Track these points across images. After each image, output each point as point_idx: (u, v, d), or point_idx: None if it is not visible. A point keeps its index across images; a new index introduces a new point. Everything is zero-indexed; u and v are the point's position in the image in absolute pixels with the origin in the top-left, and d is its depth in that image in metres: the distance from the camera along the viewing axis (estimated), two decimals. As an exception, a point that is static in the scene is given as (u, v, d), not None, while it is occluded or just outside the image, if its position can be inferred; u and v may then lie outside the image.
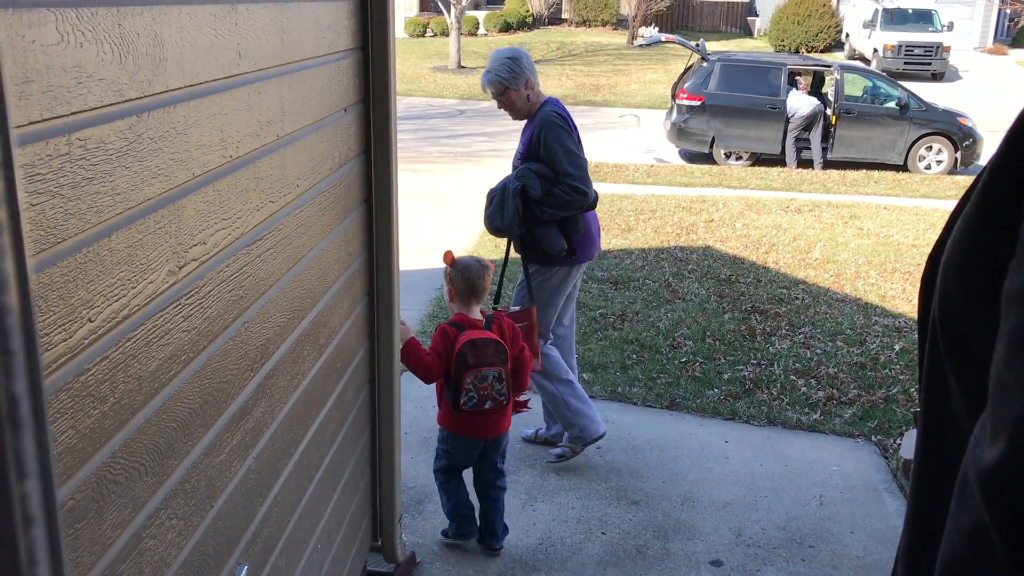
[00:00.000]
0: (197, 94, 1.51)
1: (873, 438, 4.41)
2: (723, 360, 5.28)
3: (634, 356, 5.28)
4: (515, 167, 3.97)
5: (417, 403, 4.61)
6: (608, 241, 8.28)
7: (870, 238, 8.76)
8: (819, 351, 5.47)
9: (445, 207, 10.02)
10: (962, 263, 0.73)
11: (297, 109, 2.04)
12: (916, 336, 5.79)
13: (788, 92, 13.73)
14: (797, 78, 14.05)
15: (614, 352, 5.33)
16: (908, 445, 4.14)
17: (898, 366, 5.27)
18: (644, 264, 7.42)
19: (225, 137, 1.63)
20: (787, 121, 13.64)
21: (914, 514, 0.85)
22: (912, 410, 4.45)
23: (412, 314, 6.06)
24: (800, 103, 13.54)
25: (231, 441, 1.73)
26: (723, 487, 3.92)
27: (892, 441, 4.34)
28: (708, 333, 5.71)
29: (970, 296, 0.72)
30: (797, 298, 6.57)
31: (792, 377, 5.06)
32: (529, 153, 3.87)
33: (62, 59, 1.10)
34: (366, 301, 2.79)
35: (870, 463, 4.20)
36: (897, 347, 5.58)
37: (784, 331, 5.81)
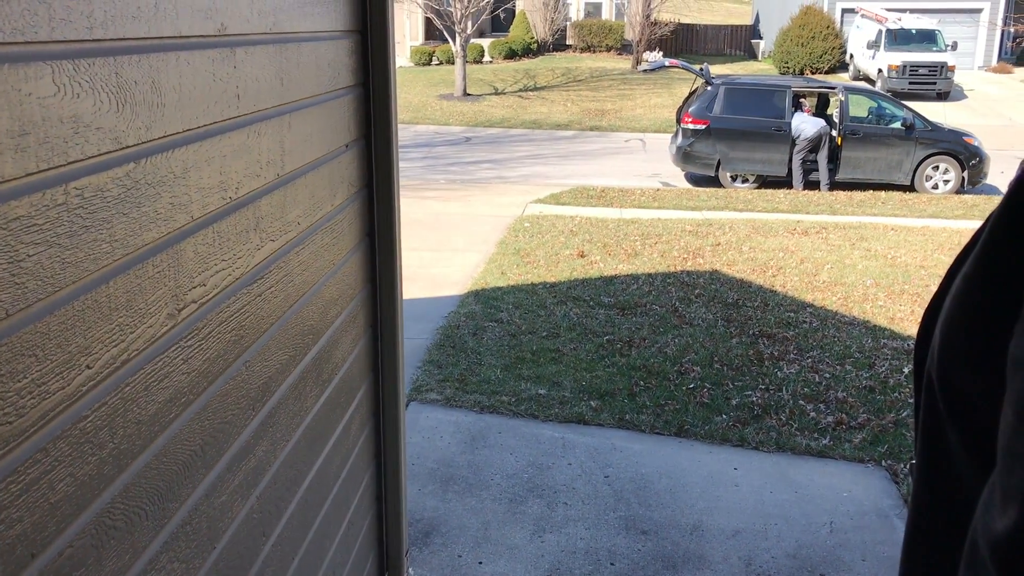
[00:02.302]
0: (195, 138, 1.52)
1: (883, 463, 4.38)
2: (731, 386, 5.26)
3: (642, 383, 5.26)
4: None
5: (424, 434, 4.61)
6: (615, 266, 8.29)
7: (878, 259, 8.74)
8: (828, 375, 5.45)
9: (452, 234, 10.05)
10: (964, 320, 0.72)
11: (298, 148, 2.05)
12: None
13: (793, 115, 13.76)
14: (802, 100, 14.09)
15: (622, 379, 5.32)
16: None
17: (907, 389, 5.24)
18: (651, 289, 7.41)
19: (224, 179, 1.64)
20: (793, 143, 13.65)
21: (909, 563, 0.84)
22: (909, 462, 4.41)
23: (418, 343, 6.07)
24: (806, 124, 13.56)
25: (233, 482, 1.73)
26: (733, 515, 3.89)
27: (902, 466, 4.31)
28: (716, 358, 5.70)
29: (972, 354, 0.70)
30: (805, 321, 6.55)
31: (801, 402, 5.03)
32: None
33: (59, 110, 1.11)
34: (370, 334, 2.79)
35: (880, 488, 4.16)
36: (906, 370, 5.54)
37: (792, 355, 5.78)
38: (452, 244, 9.58)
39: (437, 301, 7.33)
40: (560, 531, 3.72)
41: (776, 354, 5.78)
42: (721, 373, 5.46)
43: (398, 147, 2.75)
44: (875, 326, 6.51)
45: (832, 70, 28.81)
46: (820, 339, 6.13)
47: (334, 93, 2.33)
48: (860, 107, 14.54)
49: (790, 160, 13.76)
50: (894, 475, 4.26)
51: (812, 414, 4.89)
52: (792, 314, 6.73)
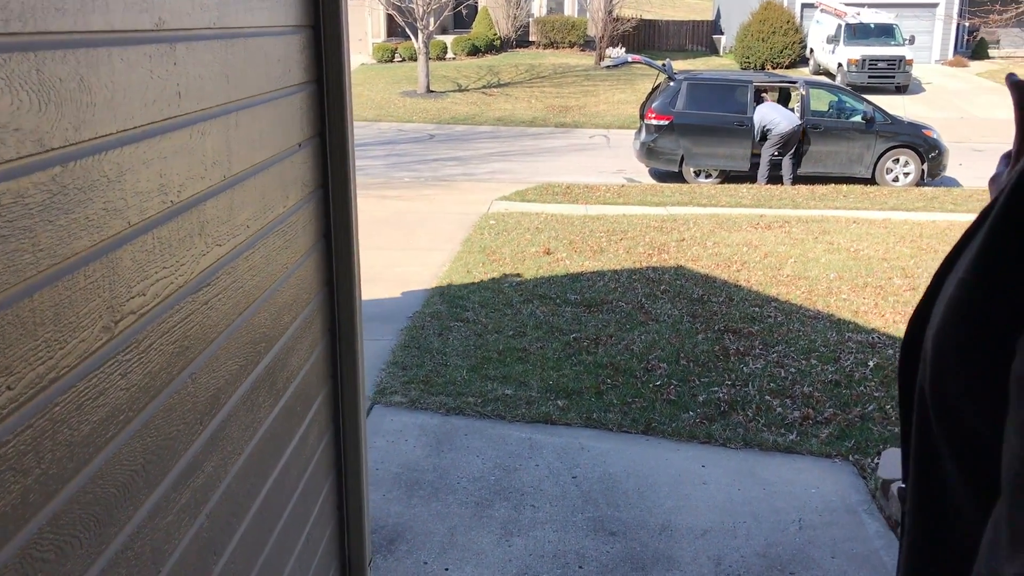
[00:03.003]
0: (132, 139, 1.43)
1: (851, 458, 4.37)
2: (698, 382, 5.24)
3: (608, 381, 5.22)
4: None
5: (389, 438, 4.53)
6: (581, 263, 8.25)
7: (841, 253, 8.78)
8: (793, 370, 5.44)
9: (417, 233, 9.95)
10: (958, 334, 0.66)
11: (246, 147, 1.97)
12: (890, 352, 5.78)
13: (759, 104, 13.72)
14: (763, 95, 14.14)
15: (588, 377, 5.27)
16: (886, 465, 4.09)
17: (872, 383, 5.25)
18: (617, 286, 7.38)
19: (165, 182, 1.56)
20: (759, 137, 13.61)
21: None
22: (898, 485, 4.42)
23: (383, 344, 5.98)
24: (777, 117, 13.43)
25: (179, 501, 1.64)
26: (701, 514, 3.86)
27: (869, 460, 4.31)
28: (682, 355, 5.67)
29: (968, 369, 0.64)
30: (770, 316, 6.55)
31: (767, 398, 5.02)
32: None
33: (-30, 111, 1.02)
34: (328, 340, 2.71)
35: (848, 484, 4.15)
36: (871, 363, 5.56)
37: (758, 350, 5.77)
38: (417, 243, 9.49)
39: (401, 301, 7.24)
40: (528, 534, 3.66)
41: (742, 349, 5.77)
42: (687, 370, 5.43)
43: (354, 145, 2.66)
44: (839, 319, 6.53)
45: (792, 65, 29.06)
46: (785, 333, 6.13)
47: (285, 90, 2.25)
48: (821, 101, 14.64)
49: (752, 155, 13.79)
50: (861, 470, 4.25)
51: (779, 409, 4.88)
52: (757, 309, 6.73)
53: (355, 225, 2.68)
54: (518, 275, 7.85)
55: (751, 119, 13.74)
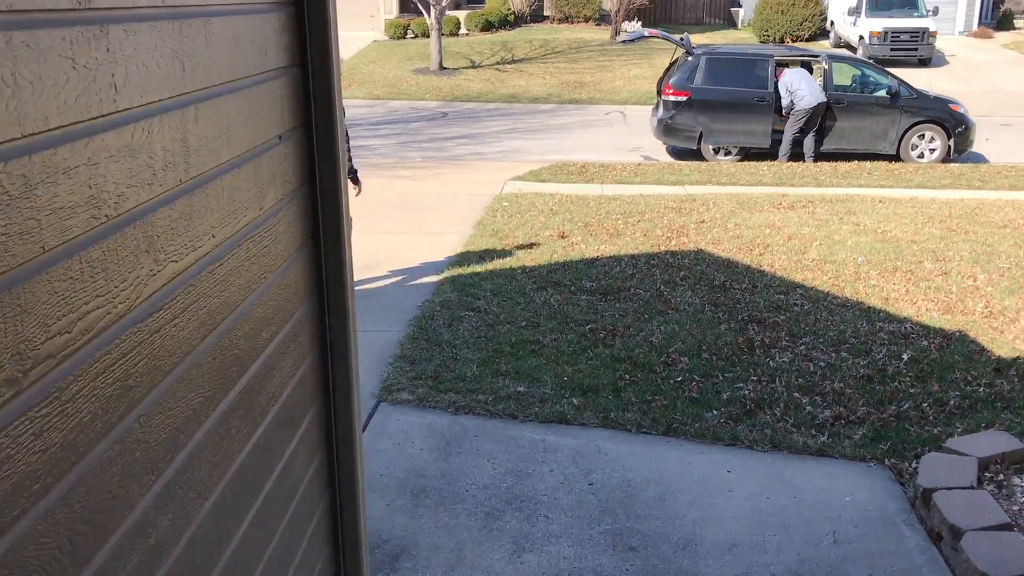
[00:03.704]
0: (46, 144, 1.17)
1: (886, 461, 4.09)
2: (721, 377, 4.96)
3: (627, 376, 4.95)
4: None
5: (395, 440, 4.28)
6: (597, 247, 7.96)
7: (867, 234, 8.45)
8: (822, 364, 5.15)
9: (427, 216, 9.68)
10: None
11: (209, 144, 1.70)
12: (924, 344, 5.47)
13: (784, 72, 13.24)
14: (784, 69, 13.71)
15: (605, 372, 5.00)
16: (927, 472, 3.81)
17: (907, 378, 4.96)
18: (634, 272, 7.09)
19: (97, 193, 1.29)
20: (781, 112, 13.16)
21: None
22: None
23: (390, 336, 5.73)
24: (802, 89, 12.94)
25: (124, 568, 1.39)
26: (727, 525, 3.60)
27: (907, 465, 4.03)
28: (704, 347, 5.39)
29: None
30: (796, 304, 6.25)
31: (795, 395, 4.74)
32: None
33: None
34: (317, 353, 2.45)
35: (885, 491, 3.88)
36: (905, 356, 5.26)
37: (784, 342, 5.48)
38: (427, 226, 9.21)
39: (410, 289, 6.98)
40: (541, 550, 3.42)
41: (767, 341, 5.48)
42: (710, 363, 5.15)
43: (344, 134, 2.39)
44: (869, 308, 6.22)
45: (812, 38, 28.44)
46: (812, 323, 5.84)
47: (260, 76, 1.97)
48: (844, 75, 14.19)
49: (773, 131, 13.40)
50: (899, 475, 3.97)
51: (808, 408, 4.60)
52: (782, 296, 6.43)
53: (346, 223, 2.41)
54: (532, 260, 7.58)
55: (772, 94, 13.33)
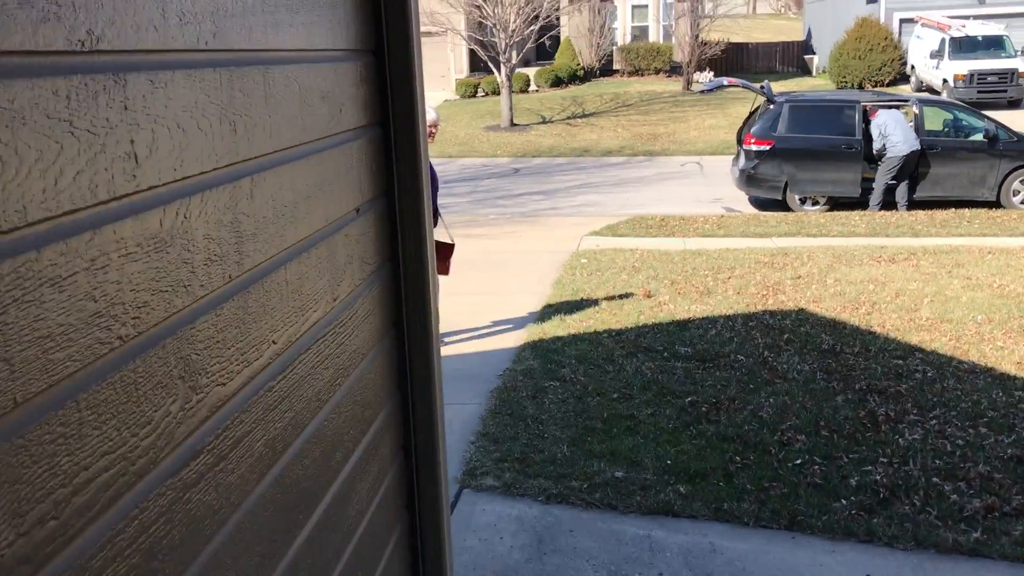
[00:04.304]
0: (22, 246, 0.80)
1: (1057, 564, 3.48)
2: (846, 459, 4.40)
3: (737, 459, 4.43)
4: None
5: (481, 534, 3.84)
6: (687, 307, 7.47)
7: (983, 289, 7.77)
8: (960, 442, 4.55)
9: (504, 275, 9.31)
10: None
11: (269, 226, 1.32)
12: (1078, 417, 4.82)
13: (877, 114, 12.61)
14: (879, 110, 13.11)
15: (713, 454, 4.49)
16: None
17: (1064, 458, 4.32)
18: (732, 335, 6.57)
19: (106, 307, 0.91)
20: (869, 160, 12.51)
21: None
22: None
23: (470, 409, 5.32)
24: (896, 135, 12.29)
25: None
26: (877, 647, 3.04)
27: (1085, 570, 3.41)
28: (822, 422, 4.84)
29: None
30: (917, 371, 5.64)
31: (935, 480, 4.15)
32: None
33: None
34: (400, 462, 2.04)
35: (1062, 602, 3.27)
36: (1055, 432, 4.63)
37: (912, 416, 4.89)
38: (504, 286, 8.84)
39: (490, 356, 6.58)
40: (658, 677, 2.91)
41: (892, 414, 4.90)
42: (830, 442, 4.59)
43: (430, 200, 2.01)
44: (1002, 374, 5.58)
45: (892, 82, 27.64)
46: (940, 393, 5.23)
47: (333, 138, 1.61)
48: (936, 120, 13.52)
49: (863, 179, 12.76)
50: (1076, 583, 3.36)
51: (952, 496, 4.00)
52: (900, 361, 5.83)
53: (433, 304, 2.01)
54: (617, 323, 7.12)
55: (860, 141, 12.74)
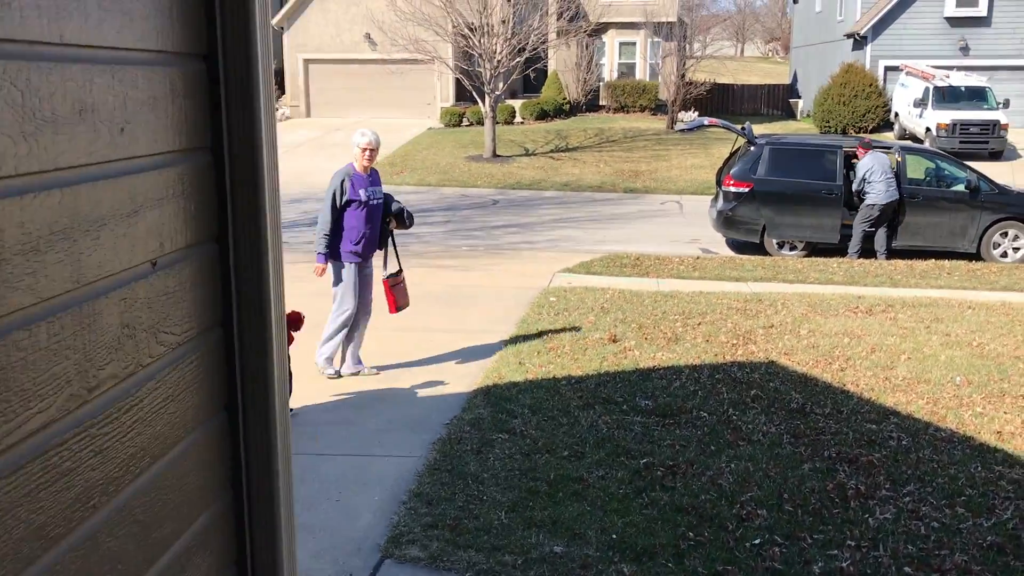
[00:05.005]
0: None
1: None
2: (809, 540, 3.97)
3: (691, 535, 4.00)
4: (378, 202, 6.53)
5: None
6: (653, 355, 7.07)
7: (962, 348, 7.42)
8: (935, 524, 4.14)
9: (468, 312, 8.89)
10: None
11: (13, 279, 0.91)
12: (1064, 500, 4.43)
13: (866, 155, 12.34)
14: (854, 161, 12.87)
15: (665, 529, 4.05)
16: None
17: (1048, 548, 3.93)
18: (696, 388, 6.17)
19: None
20: (858, 192, 12.19)
21: None
22: None
23: (408, 465, 4.88)
24: (877, 181, 11.99)
25: None
26: None
27: None
28: (785, 495, 4.42)
29: None
30: (891, 437, 5.25)
31: (907, 569, 3.73)
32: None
33: None
34: (231, 581, 1.60)
35: None
36: (1039, 516, 4.23)
37: (884, 491, 4.49)
38: (467, 323, 8.42)
39: (440, 401, 6.15)
40: None
41: (863, 488, 4.49)
42: (794, 519, 4.17)
43: (280, 250, 1.60)
44: (981, 444, 5.20)
45: (876, 129, 27.59)
46: (915, 465, 4.83)
47: (131, 163, 1.20)
48: (917, 168, 13.30)
49: (842, 226, 12.47)
50: None
51: (927, 590, 3.59)
52: (873, 426, 5.44)
53: (279, 387, 1.58)
54: (578, 368, 6.71)
55: (840, 187, 12.48)
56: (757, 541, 3.94)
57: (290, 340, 5.47)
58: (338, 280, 6.47)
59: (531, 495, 4.41)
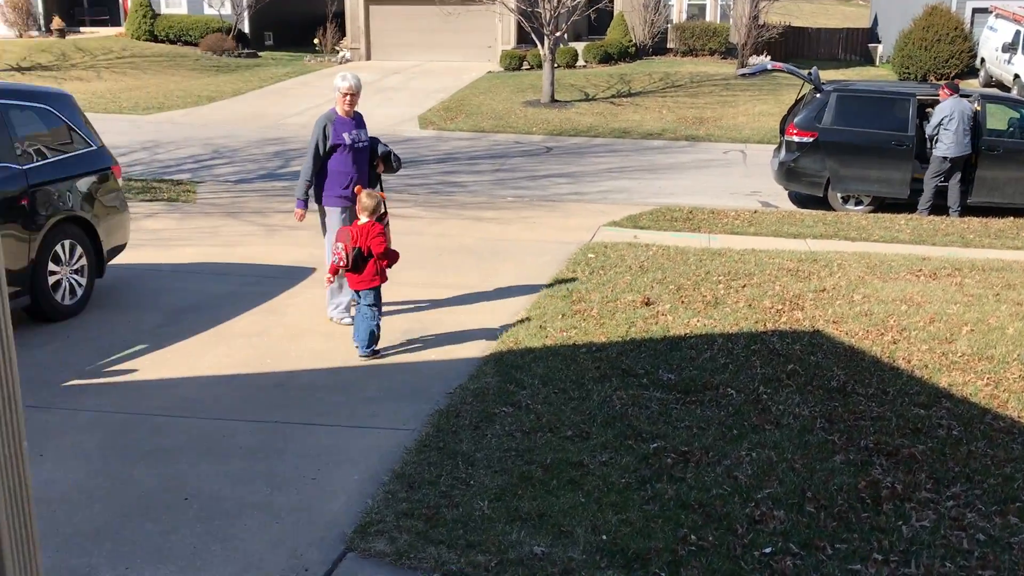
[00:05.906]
0: None
1: None
2: (830, 551, 3.46)
3: (693, 537, 3.52)
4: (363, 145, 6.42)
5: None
6: (687, 320, 6.53)
7: (1035, 319, 6.70)
8: (981, 537, 3.58)
9: (501, 267, 8.42)
10: None
11: None
12: None
13: (947, 98, 11.42)
14: (928, 110, 11.91)
15: (664, 529, 3.59)
16: None
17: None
18: (728, 361, 5.63)
19: None
20: (931, 140, 11.29)
21: None
22: None
23: (398, 438, 4.49)
24: (954, 127, 11.09)
25: None
26: None
27: None
28: (809, 493, 3.90)
29: None
30: (941, 426, 4.66)
31: (942, 593, 3.21)
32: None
33: None
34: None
35: None
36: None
37: (925, 491, 3.93)
38: (496, 279, 7.96)
39: (448, 366, 5.74)
40: None
41: (899, 488, 3.94)
42: (815, 523, 3.66)
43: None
44: (1046, 437, 4.58)
45: (959, 76, 25.92)
46: (965, 460, 4.25)
47: None
48: (999, 118, 12.26)
49: (912, 179, 11.59)
50: None
51: (961, 620, 3.07)
52: (922, 411, 4.85)
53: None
54: (603, 335, 6.22)
55: (912, 138, 11.57)
56: (768, 550, 3.45)
57: (384, 278, 5.84)
58: (327, 227, 6.47)
59: (522, 481, 3.99)
